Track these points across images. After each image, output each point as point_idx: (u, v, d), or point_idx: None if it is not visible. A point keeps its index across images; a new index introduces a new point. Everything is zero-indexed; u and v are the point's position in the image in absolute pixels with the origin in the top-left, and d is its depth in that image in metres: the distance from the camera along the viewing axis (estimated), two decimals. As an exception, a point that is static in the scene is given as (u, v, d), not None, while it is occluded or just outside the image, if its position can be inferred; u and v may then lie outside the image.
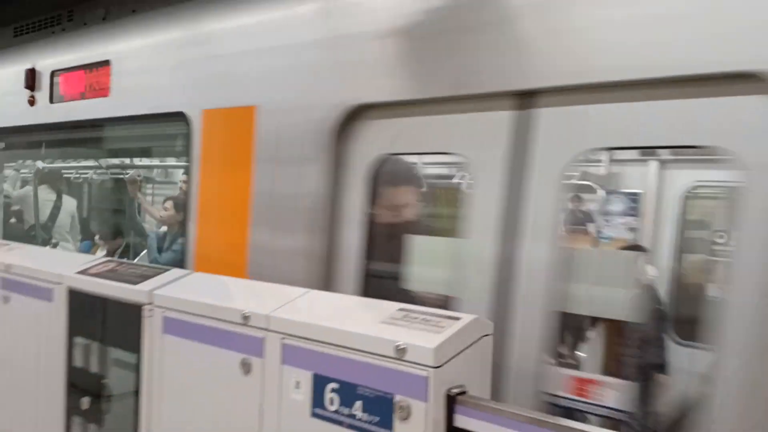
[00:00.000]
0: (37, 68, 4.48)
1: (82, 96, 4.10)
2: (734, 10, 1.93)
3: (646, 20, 2.06)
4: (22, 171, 6.24)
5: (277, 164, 2.99)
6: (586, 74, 2.15)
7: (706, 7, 1.97)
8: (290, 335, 2.09)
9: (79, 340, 2.87)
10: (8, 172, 5.82)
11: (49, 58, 4.41)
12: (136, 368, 2.57)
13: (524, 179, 2.31)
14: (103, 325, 2.78)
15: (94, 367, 2.83)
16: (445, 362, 1.75)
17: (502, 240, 2.34)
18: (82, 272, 2.89)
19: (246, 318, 2.21)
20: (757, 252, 1.87)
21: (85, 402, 2.84)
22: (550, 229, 2.23)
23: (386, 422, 1.82)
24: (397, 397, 1.79)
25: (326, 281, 2.78)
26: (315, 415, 2.01)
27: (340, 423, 1.93)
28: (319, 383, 2.00)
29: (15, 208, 5.98)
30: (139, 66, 3.76)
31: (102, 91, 3.96)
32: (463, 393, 1.77)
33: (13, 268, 3.23)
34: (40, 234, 6.08)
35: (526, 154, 2.32)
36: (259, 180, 3.04)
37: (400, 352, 1.79)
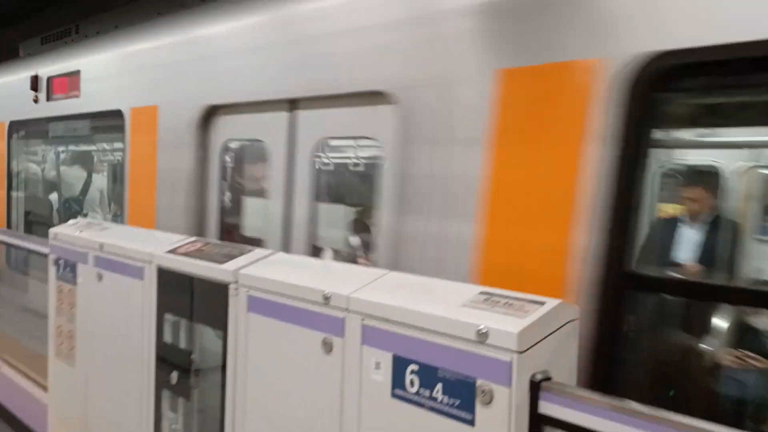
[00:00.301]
0: (39, 74, 5.77)
1: (66, 96, 5.44)
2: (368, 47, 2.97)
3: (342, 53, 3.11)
4: (61, 152, 7.08)
5: (171, 147, 4.14)
6: (316, 89, 3.22)
7: (352, 46, 3.02)
8: (370, 316, 2.09)
9: (168, 317, 2.97)
10: (50, 155, 7.01)
11: (47, 67, 5.72)
12: (222, 345, 2.64)
13: (293, 158, 3.41)
14: (191, 303, 2.86)
15: (182, 343, 2.92)
16: (529, 347, 1.72)
17: (284, 200, 3.44)
18: (171, 251, 2.98)
19: (327, 298, 2.23)
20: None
21: (174, 376, 2.94)
22: (308, 191, 3.33)
23: (467, 406, 1.80)
24: (479, 381, 1.77)
25: (199, 229, 3.88)
26: (395, 395, 2.01)
27: (420, 405, 1.93)
28: (399, 365, 2.00)
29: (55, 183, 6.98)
30: (97, 75, 5.06)
31: (76, 93, 5.33)
32: (547, 379, 1.73)
33: (107, 248, 3.37)
34: (83, 207, 7.13)
35: (294, 141, 3.41)
36: (160, 159, 4.25)
37: (482, 336, 1.76)
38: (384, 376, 2.04)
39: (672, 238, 3.73)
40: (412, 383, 1.96)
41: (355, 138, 3.36)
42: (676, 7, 2.03)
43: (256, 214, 3.83)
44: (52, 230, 3.90)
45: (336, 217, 3.66)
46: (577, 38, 2.24)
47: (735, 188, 4.11)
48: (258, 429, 2.50)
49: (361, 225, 3.68)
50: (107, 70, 4.98)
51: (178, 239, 3.18)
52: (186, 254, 2.91)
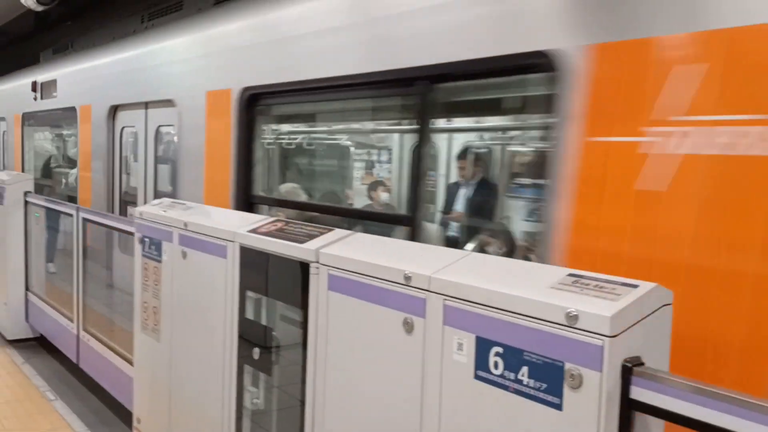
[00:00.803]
0: (38, 80, 8.46)
1: (52, 96, 8.06)
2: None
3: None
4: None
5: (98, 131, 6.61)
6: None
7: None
8: (453, 297, 2.07)
9: (250, 294, 3.03)
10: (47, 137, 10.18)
11: (41, 75, 8.49)
12: (303, 323, 2.68)
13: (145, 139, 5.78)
14: (272, 281, 2.92)
15: (264, 320, 2.98)
16: (622, 332, 1.66)
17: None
18: (253, 231, 3.04)
19: (408, 278, 2.23)
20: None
21: (256, 352, 3.01)
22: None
23: (555, 390, 1.77)
24: (568, 365, 1.73)
25: (108, 200, 6.31)
26: (478, 377, 1.99)
27: (505, 387, 1.90)
28: (483, 346, 1.98)
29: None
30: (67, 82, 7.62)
31: (54, 95, 7.95)
32: (640, 364, 1.68)
33: (191, 226, 3.46)
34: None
35: (146, 127, 5.79)
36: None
37: (572, 319, 1.72)
38: (467, 357, 2.02)
39: (455, 196, 5.33)
40: (496, 365, 1.93)
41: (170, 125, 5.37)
42: None
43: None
44: (138, 209, 4.03)
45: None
46: None
47: (494, 160, 5.59)
48: (338, 406, 2.53)
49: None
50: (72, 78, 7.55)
51: (258, 219, 3.24)
52: (267, 233, 2.96)
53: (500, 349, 1.93)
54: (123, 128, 6.25)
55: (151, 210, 3.90)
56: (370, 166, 6.68)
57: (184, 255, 3.51)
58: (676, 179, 2.06)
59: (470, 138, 5.80)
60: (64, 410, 5.54)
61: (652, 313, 1.74)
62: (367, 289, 2.39)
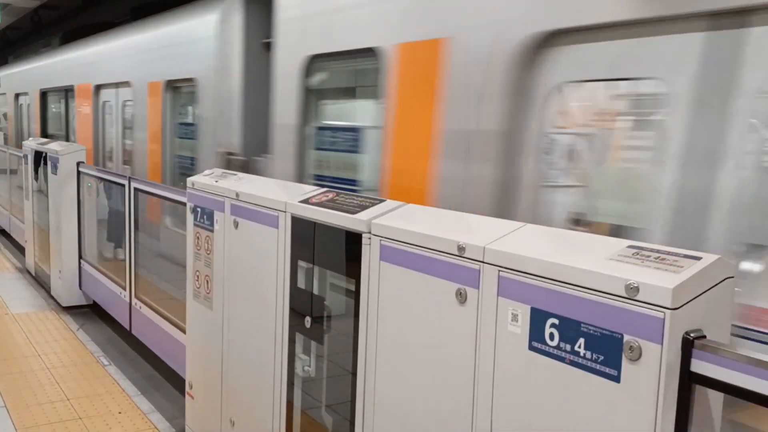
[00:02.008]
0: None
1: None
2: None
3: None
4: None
5: None
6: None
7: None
8: (507, 268, 2.07)
9: (302, 264, 3.08)
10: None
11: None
12: (356, 292, 2.71)
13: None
14: (324, 251, 2.95)
15: (315, 290, 3.03)
16: (684, 304, 1.64)
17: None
18: (305, 201, 3.07)
19: (461, 249, 2.23)
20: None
21: (308, 321, 3.06)
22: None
23: (613, 362, 1.76)
24: (627, 337, 1.72)
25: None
26: (533, 348, 1.99)
27: (561, 359, 1.90)
28: (538, 317, 1.98)
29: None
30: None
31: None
32: (701, 337, 1.66)
33: (242, 196, 3.52)
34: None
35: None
36: None
37: (632, 291, 1.70)
38: (521, 328, 2.03)
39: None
40: (551, 336, 1.93)
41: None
42: None
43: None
44: (190, 179, 4.11)
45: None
46: None
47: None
48: (389, 375, 2.57)
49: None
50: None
51: (309, 189, 3.27)
52: (319, 204, 2.99)
53: (556, 321, 1.92)
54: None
55: (203, 180, 3.96)
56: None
57: (236, 225, 3.57)
58: None
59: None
60: (117, 375, 5.73)
61: (715, 285, 1.71)
62: (420, 259, 2.40)
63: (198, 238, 4.01)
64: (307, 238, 3.04)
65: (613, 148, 3.06)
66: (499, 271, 2.10)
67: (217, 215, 3.76)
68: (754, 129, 2.28)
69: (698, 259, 1.72)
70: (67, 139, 10.78)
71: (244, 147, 5.18)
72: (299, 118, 4.31)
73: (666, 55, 2.50)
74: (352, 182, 4.16)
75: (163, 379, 5.81)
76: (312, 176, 4.44)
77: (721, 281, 1.72)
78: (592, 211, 2.93)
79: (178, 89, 6.56)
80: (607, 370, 1.78)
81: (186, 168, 6.37)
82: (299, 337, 3.16)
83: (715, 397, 1.76)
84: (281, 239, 3.18)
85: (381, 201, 2.82)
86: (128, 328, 6.36)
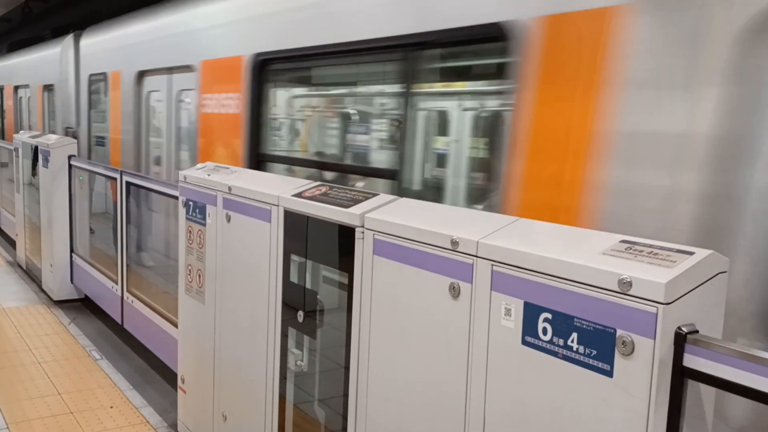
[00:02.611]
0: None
1: None
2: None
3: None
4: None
5: None
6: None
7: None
8: (501, 263, 2.07)
9: (294, 258, 3.07)
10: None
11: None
12: (348, 287, 2.70)
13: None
14: (317, 245, 2.94)
15: (308, 284, 3.02)
16: (676, 299, 1.64)
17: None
18: (297, 195, 3.06)
19: (455, 243, 2.23)
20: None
21: (300, 315, 3.05)
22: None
23: (606, 356, 1.76)
24: (620, 332, 1.72)
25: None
26: (526, 343, 1.99)
27: (553, 353, 1.90)
28: (531, 312, 1.98)
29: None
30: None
31: None
32: (694, 332, 1.66)
33: (235, 190, 3.50)
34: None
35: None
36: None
37: (625, 285, 1.70)
38: (514, 323, 2.03)
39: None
40: (544, 331, 1.93)
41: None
42: None
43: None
44: (182, 173, 4.09)
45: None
46: None
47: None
48: (382, 369, 2.56)
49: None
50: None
51: (302, 183, 3.26)
52: (311, 198, 2.98)
53: (549, 315, 1.92)
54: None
55: (195, 174, 3.94)
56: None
57: (229, 218, 3.55)
58: None
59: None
60: (109, 369, 5.71)
61: (708, 280, 1.71)
62: (413, 253, 2.40)
63: (190, 232, 3.99)
64: (300, 232, 3.03)
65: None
66: (493, 265, 2.10)
67: (209, 209, 3.74)
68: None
69: (691, 254, 1.72)
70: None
71: (76, 123, 9.00)
72: (87, 107, 8.64)
73: None
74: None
75: (156, 373, 5.80)
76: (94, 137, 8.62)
77: (713, 276, 1.73)
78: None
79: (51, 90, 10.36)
80: (600, 364, 1.78)
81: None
82: (292, 332, 3.15)
83: (708, 392, 1.77)
84: (274, 233, 3.17)
85: (374, 195, 2.81)
86: (120, 322, 6.33)
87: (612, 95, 2.46)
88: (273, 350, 3.24)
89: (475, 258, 2.16)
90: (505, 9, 2.85)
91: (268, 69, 4.67)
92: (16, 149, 9.16)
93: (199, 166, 4.15)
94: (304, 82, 5.16)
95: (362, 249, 2.62)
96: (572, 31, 2.60)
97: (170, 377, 5.23)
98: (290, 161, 4.88)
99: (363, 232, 2.62)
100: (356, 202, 2.76)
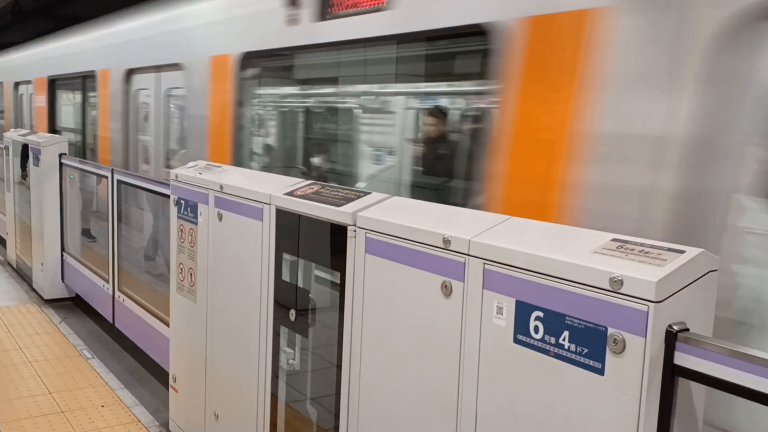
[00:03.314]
0: None
1: None
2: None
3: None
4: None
5: None
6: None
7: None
8: (493, 261, 2.07)
9: (286, 257, 3.06)
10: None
11: None
12: (341, 286, 2.70)
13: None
14: (309, 244, 2.93)
15: (300, 282, 3.01)
16: (667, 297, 1.65)
17: None
18: (289, 194, 3.05)
19: (447, 242, 2.23)
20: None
21: (292, 314, 3.05)
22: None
23: (597, 355, 1.77)
24: (611, 330, 1.72)
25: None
26: (518, 341, 1.99)
27: (545, 351, 1.91)
28: (523, 310, 1.98)
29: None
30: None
31: None
32: (685, 330, 1.67)
33: (227, 189, 3.49)
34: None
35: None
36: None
37: (616, 284, 1.71)
38: (506, 321, 2.03)
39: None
40: (536, 329, 1.94)
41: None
42: None
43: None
44: (173, 171, 4.07)
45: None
46: None
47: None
48: (374, 367, 2.56)
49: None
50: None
51: (294, 182, 3.25)
52: (303, 196, 2.98)
53: (541, 314, 1.93)
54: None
55: (186, 172, 3.93)
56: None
57: (220, 217, 3.54)
58: None
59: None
60: (100, 368, 5.68)
61: (698, 279, 1.72)
62: (405, 252, 2.40)
63: (182, 230, 3.98)
64: (292, 230, 3.02)
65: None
66: (485, 264, 2.10)
67: (201, 208, 3.73)
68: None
69: (681, 252, 1.72)
70: None
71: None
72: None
73: None
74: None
75: (147, 372, 5.78)
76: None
77: (704, 274, 1.73)
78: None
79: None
80: (592, 362, 1.78)
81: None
82: (284, 330, 3.15)
83: (699, 390, 1.78)
84: (266, 232, 3.16)
85: (366, 193, 2.81)
86: (111, 321, 6.31)
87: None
88: (265, 349, 3.23)
89: (467, 256, 2.16)
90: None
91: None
92: (7, 147, 9.11)
93: (190, 164, 4.14)
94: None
95: (354, 247, 2.62)
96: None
97: (162, 376, 5.22)
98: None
99: (355, 231, 2.62)
100: (348, 200, 2.76)
